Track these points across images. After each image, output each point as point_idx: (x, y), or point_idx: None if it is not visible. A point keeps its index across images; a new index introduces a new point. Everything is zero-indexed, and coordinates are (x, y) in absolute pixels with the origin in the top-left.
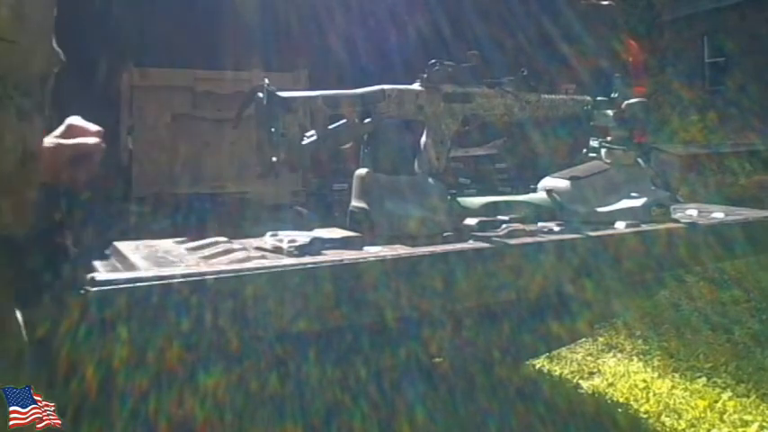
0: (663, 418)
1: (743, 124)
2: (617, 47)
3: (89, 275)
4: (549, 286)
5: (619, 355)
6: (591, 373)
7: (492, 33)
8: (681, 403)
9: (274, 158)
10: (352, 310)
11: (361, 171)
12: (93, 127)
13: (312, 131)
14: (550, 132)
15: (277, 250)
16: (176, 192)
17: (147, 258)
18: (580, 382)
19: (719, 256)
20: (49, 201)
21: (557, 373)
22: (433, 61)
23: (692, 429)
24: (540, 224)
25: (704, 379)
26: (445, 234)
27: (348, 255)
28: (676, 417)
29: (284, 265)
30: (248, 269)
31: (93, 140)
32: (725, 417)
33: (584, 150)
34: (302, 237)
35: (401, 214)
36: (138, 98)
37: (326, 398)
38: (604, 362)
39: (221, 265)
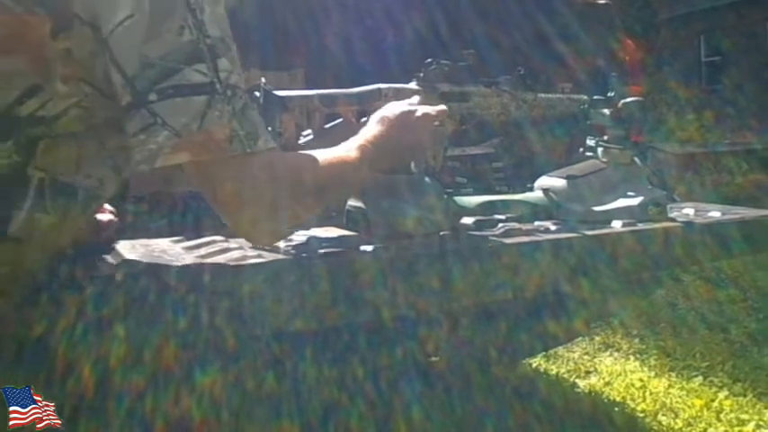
0: (659, 417)
1: (740, 123)
2: (614, 46)
3: (86, 274)
4: (546, 285)
5: (615, 355)
6: (587, 372)
7: (489, 32)
8: (677, 402)
9: None
10: (348, 309)
11: None
12: None
13: (308, 130)
14: (547, 131)
15: (273, 249)
16: (173, 191)
17: (143, 257)
18: (577, 381)
19: (716, 255)
20: None
21: (553, 372)
22: (430, 60)
23: (689, 428)
24: (536, 223)
25: (701, 378)
26: (442, 233)
27: (345, 253)
28: (673, 416)
29: (281, 264)
30: (245, 268)
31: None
32: (721, 416)
33: (581, 149)
34: (299, 235)
35: (398, 213)
36: None
37: (323, 397)
38: (601, 361)
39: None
